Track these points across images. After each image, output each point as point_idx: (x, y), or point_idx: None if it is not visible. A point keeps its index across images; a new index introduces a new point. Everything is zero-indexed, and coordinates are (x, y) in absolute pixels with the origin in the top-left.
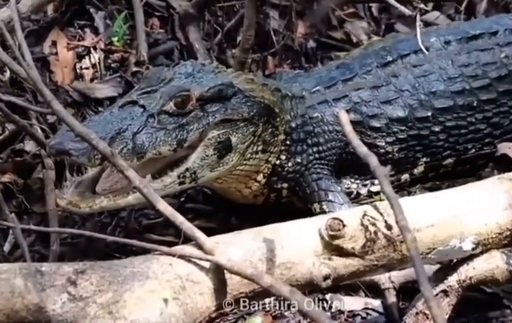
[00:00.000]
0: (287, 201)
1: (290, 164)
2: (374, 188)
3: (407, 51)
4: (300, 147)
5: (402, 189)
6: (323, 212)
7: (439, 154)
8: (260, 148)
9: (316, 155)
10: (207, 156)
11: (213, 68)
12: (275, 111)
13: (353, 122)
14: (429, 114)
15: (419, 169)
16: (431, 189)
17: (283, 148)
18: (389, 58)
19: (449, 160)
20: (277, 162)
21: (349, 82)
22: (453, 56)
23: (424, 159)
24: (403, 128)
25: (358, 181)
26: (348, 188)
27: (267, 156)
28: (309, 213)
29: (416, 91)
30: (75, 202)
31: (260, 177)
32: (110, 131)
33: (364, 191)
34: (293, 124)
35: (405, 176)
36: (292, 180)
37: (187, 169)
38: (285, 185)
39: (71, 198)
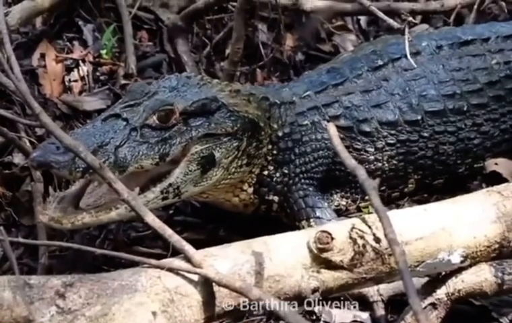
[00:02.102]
0: (276, 216)
1: (277, 174)
2: (363, 204)
3: (398, 55)
4: (288, 156)
5: (391, 202)
6: None
7: (429, 169)
8: (244, 162)
9: (303, 168)
10: (190, 171)
11: (198, 80)
12: (260, 125)
13: (343, 128)
14: (419, 117)
15: (409, 188)
16: (419, 202)
17: (270, 158)
18: (380, 62)
19: (440, 180)
20: (265, 172)
21: (340, 87)
22: (444, 61)
23: (415, 177)
24: (393, 132)
25: (348, 194)
26: (338, 206)
27: (250, 168)
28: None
29: (407, 94)
30: (57, 218)
31: (245, 186)
32: (93, 144)
33: (353, 207)
34: (280, 133)
35: (396, 194)
36: (281, 193)
37: (170, 185)
38: (275, 198)
39: (53, 214)
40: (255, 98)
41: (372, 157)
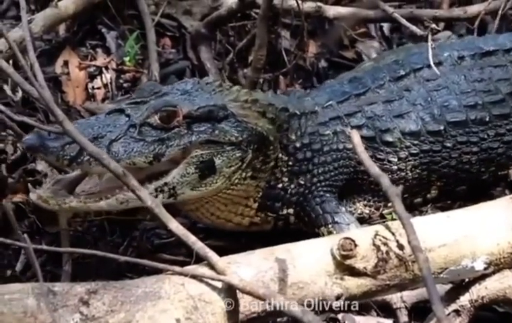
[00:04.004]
0: (295, 228)
1: (292, 186)
2: (387, 211)
3: (420, 65)
4: (305, 166)
5: (414, 209)
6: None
7: (452, 177)
8: (249, 174)
9: (321, 177)
10: (187, 174)
11: (214, 87)
12: (269, 139)
13: (366, 138)
14: (441, 127)
15: (432, 194)
16: (443, 209)
17: (285, 170)
18: (402, 72)
19: (463, 187)
20: (279, 185)
21: (362, 96)
22: (466, 72)
23: (438, 184)
24: (415, 142)
25: (371, 202)
26: (361, 214)
27: (257, 182)
28: (317, 237)
29: (429, 105)
30: (46, 198)
31: (251, 202)
32: (89, 135)
33: (376, 215)
34: (298, 144)
35: (418, 200)
36: (297, 204)
37: (166, 184)
38: (291, 210)
39: (43, 193)
40: (273, 109)
41: (395, 167)
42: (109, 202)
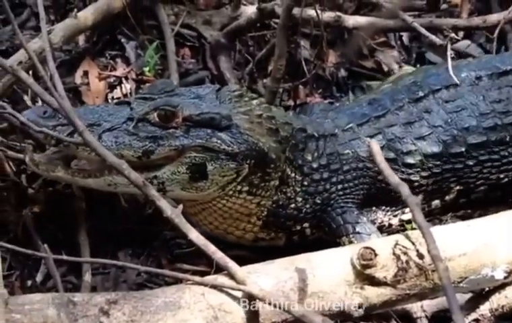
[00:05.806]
0: (314, 238)
1: (307, 206)
2: (405, 217)
3: (439, 86)
4: (322, 186)
5: (434, 217)
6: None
7: (472, 184)
8: (245, 189)
9: (341, 192)
10: (178, 172)
11: (232, 96)
12: (270, 157)
13: (387, 160)
14: (463, 149)
15: (450, 196)
16: (463, 217)
17: (299, 189)
18: (421, 94)
19: (481, 188)
20: (292, 205)
21: (382, 118)
22: (484, 92)
23: (457, 188)
24: (437, 163)
25: (389, 212)
26: (381, 222)
27: (257, 199)
28: (338, 246)
29: (449, 126)
30: (37, 161)
31: (254, 219)
32: (87, 120)
33: (395, 221)
34: (314, 165)
35: (436, 202)
36: (314, 218)
37: (155, 177)
38: (306, 224)
39: (36, 157)
40: (289, 128)
41: (416, 184)
42: (97, 181)
